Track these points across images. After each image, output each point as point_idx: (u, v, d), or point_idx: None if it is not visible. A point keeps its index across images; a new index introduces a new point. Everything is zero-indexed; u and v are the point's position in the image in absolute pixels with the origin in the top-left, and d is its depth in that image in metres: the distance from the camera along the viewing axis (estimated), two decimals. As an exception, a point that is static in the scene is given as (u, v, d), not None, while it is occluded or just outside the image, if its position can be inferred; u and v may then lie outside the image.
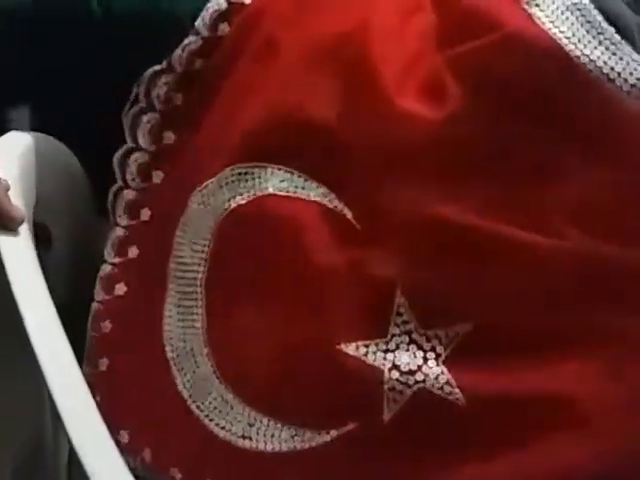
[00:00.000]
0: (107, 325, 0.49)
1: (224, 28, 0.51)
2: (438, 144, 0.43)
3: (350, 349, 0.41)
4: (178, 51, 0.51)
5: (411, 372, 0.40)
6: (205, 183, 0.48)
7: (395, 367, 0.41)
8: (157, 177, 0.52)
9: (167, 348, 0.47)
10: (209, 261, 0.47)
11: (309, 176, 0.46)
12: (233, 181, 0.47)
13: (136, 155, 0.51)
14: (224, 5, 0.51)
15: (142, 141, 0.51)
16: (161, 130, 0.52)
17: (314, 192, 0.45)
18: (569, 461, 0.39)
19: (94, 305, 0.50)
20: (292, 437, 0.43)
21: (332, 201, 0.45)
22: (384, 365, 0.41)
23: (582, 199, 0.43)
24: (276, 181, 0.46)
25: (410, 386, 0.40)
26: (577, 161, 0.43)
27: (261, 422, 0.44)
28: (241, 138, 0.48)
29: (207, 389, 0.45)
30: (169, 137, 0.52)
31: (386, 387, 0.40)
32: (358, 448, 0.41)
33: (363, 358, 0.41)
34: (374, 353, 0.41)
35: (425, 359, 0.41)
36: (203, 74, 0.51)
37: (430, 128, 0.43)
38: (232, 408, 0.45)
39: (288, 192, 0.46)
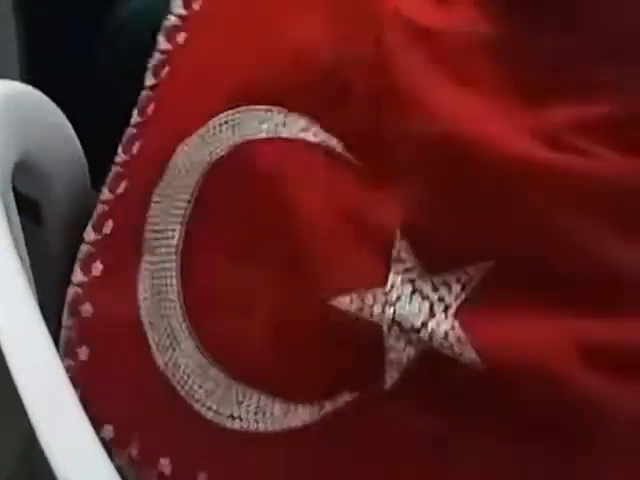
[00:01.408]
0: (87, 309, 0.44)
1: None
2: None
3: (343, 304, 0.35)
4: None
5: (415, 329, 0.33)
6: (188, 139, 0.42)
7: (396, 323, 0.34)
8: (135, 147, 0.47)
9: (145, 327, 0.42)
10: (185, 225, 0.42)
11: (289, 110, 0.39)
12: (214, 134, 0.41)
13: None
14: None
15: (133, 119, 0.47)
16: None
17: (295, 127, 0.39)
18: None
19: (70, 289, 0.45)
20: (284, 414, 0.36)
21: (317, 134, 0.38)
22: (383, 321, 0.34)
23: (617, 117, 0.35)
24: (255, 124, 0.40)
25: (414, 346, 0.33)
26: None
27: (250, 398, 0.37)
28: (226, 84, 0.42)
29: (191, 367, 0.40)
30: (150, 109, 0.47)
31: (386, 347, 0.33)
32: (356, 422, 0.34)
33: (358, 313, 0.34)
34: (370, 307, 0.34)
35: (432, 312, 0.34)
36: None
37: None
38: (218, 385, 0.39)
39: (268, 134, 0.40)
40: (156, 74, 0.47)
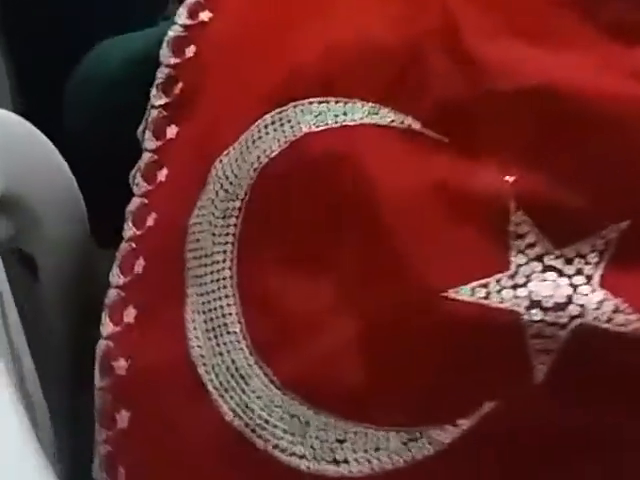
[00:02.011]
0: (121, 365, 0.36)
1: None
2: None
3: (463, 294, 0.29)
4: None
5: (559, 306, 0.28)
6: (226, 152, 0.37)
7: (535, 304, 0.28)
8: (161, 175, 0.41)
9: (200, 370, 0.34)
10: (237, 245, 0.35)
11: (348, 98, 0.35)
12: (260, 137, 0.36)
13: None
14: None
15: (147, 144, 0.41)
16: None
17: (359, 113, 0.34)
18: None
19: (100, 343, 0.37)
20: (405, 444, 0.29)
21: (386, 116, 0.34)
22: (519, 305, 0.28)
23: None
24: (308, 117, 0.35)
25: (564, 326, 0.27)
26: None
27: (355, 434, 0.30)
28: (262, 86, 0.37)
29: (267, 408, 0.32)
30: (171, 132, 0.41)
31: (529, 334, 0.28)
32: (505, 435, 0.28)
33: (484, 302, 0.29)
34: (498, 292, 0.29)
35: (573, 286, 0.28)
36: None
37: None
38: (308, 425, 0.31)
39: (327, 125, 0.35)
40: (167, 91, 0.42)
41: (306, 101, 0.35)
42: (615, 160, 0.30)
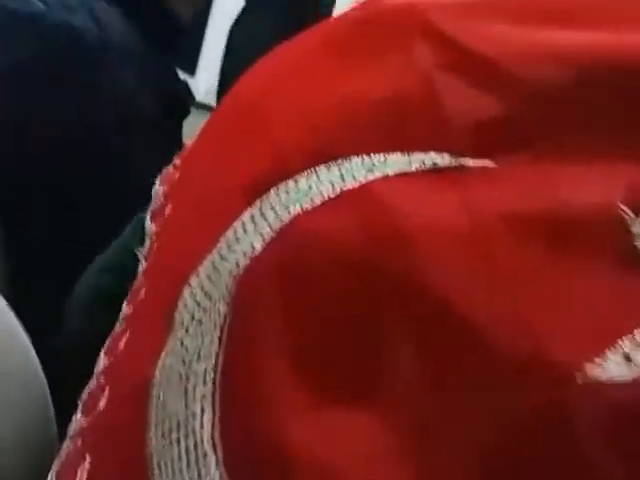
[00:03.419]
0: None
1: None
2: None
3: (610, 365, 0.16)
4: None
5: None
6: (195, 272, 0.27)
7: None
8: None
9: None
10: (219, 403, 0.23)
11: (343, 158, 0.25)
12: (238, 238, 0.26)
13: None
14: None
15: None
16: None
17: (362, 170, 0.25)
18: None
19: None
20: None
21: (397, 162, 0.24)
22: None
23: None
24: (298, 195, 0.26)
25: None
26: None
27: None
28: (242, 176, 0.29)
29: None
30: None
31: None
32: None
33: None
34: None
35: None
36: None
37: None
38: None
39: (323, 196, 0.25)
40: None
41: (289, 180, 0.26)
42: None
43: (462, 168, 0.22)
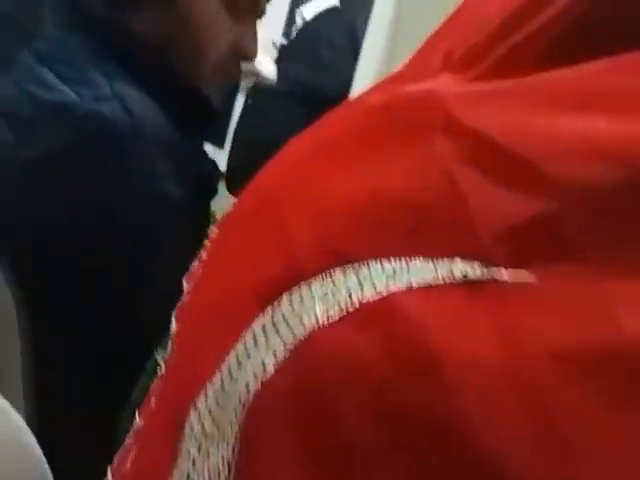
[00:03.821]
0: None
1: None
2: None
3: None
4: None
5: None
6: (202, 390, 0.24)
7: None
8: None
9: None
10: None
11: (360, 262, 0.23)
12: (249, 354, 0.24)
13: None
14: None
15: None
16: None
17: (381, 278, 0.22)
18: None
19: None
20: None
21: (422, 270, 0.21)
22: None
23: None
24: (313, 304, 0.23)
25: None
26: None
27: None
28: (254, 279, 0.26)
29: None
30: None
31: None
32: None
33: None
34: None
35: None
36: None
37: None
38: None
39: (340, 308, 0.22)
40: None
41: (303, 284, 0.24)
42: None
43: (496, 282, 0.20)
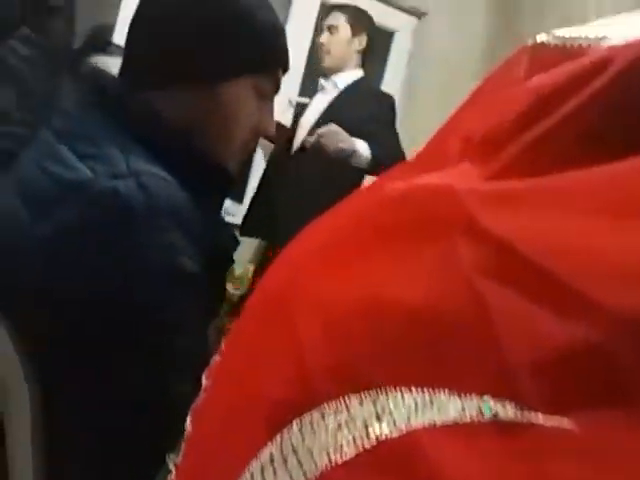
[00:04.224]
0: None
1: None
2: None
3: None
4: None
5: None
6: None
7: None
8: None
9: None
10: None
11: (379, 389, 0.21)
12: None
13: None
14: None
15: None
16: None
17: (402, 411, 0.20)
18: None
19: None
20: None
21: (447, 406, 0.19)
22: None
23: None
24: (326, 437, 0.21)
25: None
26: None
27: None
28: (264, 402, 0.25)
29: None
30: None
31: None
32: None
33: None
34: None
35: None
36: None
37: None
38: None
39: (356, 445, 0.20)
40: None
41: (314, 411, 0.22)
42: None
43: (531, 425, 0.18)
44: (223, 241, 0.78)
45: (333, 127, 1.80)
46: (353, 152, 1.81)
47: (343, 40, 2.00)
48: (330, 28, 2.02)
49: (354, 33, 1.99)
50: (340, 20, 2.00)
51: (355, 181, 1.82)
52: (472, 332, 0.21)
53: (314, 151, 1.84)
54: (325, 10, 2.08)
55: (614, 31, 0.28)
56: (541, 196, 0.24)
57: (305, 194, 1.81)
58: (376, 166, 1.79)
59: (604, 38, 0.28)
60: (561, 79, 0.26)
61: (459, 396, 0.19)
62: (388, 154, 1.75)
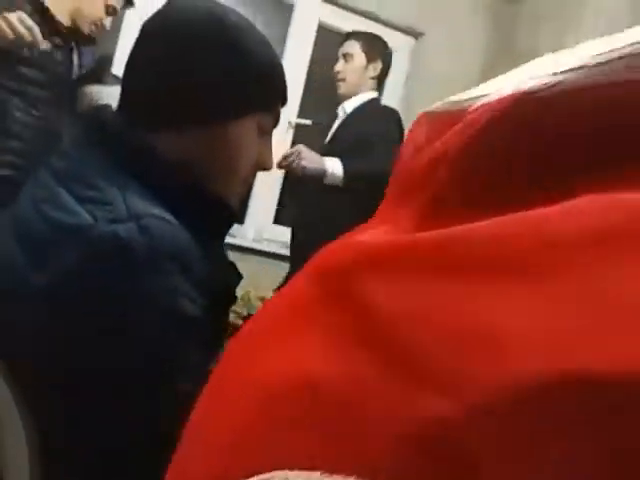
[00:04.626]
0: None
1: None
2: None
3: None
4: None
5: None
6: None
7: None
8: None
9: None
10: None
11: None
12: None
13: None
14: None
15: None
16: None
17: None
18: None
19: None
20: None
21: None
22: None
23: None
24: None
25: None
26: None
27: None
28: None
29: None
30: None
31: None
32: None
33: None
34: None
35: None
36: None
37: None
38: None
39: None
40: None
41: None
42: None
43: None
44: (226, 281, 0.77)
45: (299, 147, 1.80)
46: (324, 172, 1.79)
47: (358, 68, 2.00)
48: (345, 56, 2.02)
49: (369, 60, 1.99)
50: (355, 48, 2.01)
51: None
52: (345, 410, 0.20)
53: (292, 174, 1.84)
54: (340, 38, 2.09)
55: (494, 87, 0.29)
56: (416, 254, 0.23)
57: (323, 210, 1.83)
58: (350, 182, 1.78)
59: (483, 96, 0.28)
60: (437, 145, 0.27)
61: (329, 477, 0.18)
62: (383, 169, 1.73)
